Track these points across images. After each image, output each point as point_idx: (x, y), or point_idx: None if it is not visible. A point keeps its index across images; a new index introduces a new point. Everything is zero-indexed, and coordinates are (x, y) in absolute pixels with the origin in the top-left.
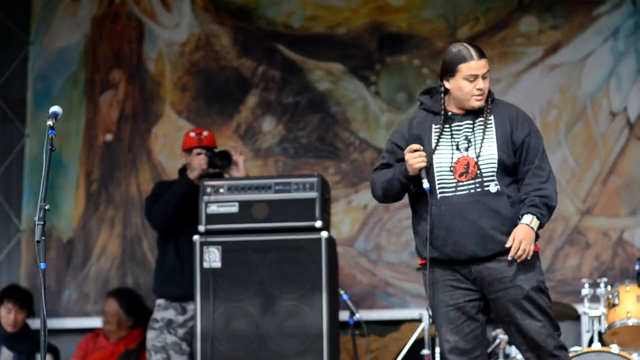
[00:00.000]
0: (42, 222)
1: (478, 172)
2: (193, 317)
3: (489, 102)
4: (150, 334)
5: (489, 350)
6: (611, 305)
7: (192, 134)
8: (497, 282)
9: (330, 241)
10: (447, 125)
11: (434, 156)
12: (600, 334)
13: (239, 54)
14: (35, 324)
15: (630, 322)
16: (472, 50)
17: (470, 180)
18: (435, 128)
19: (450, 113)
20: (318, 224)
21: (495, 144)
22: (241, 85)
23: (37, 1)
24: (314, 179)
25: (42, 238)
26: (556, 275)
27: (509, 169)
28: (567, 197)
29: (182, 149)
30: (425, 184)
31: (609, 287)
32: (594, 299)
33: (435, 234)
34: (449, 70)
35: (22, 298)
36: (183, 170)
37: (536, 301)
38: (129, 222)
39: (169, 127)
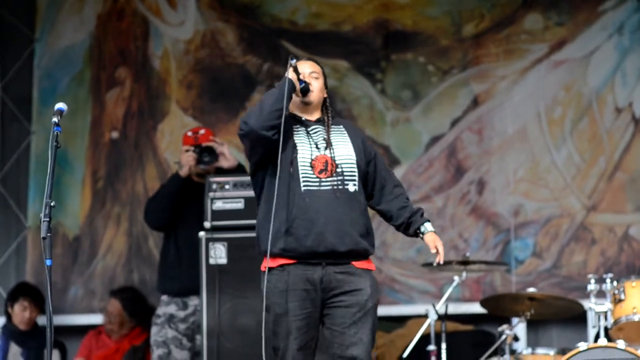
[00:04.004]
0: (48, 219)
1: (338, 170)
2: (194, 313)
3: (329, 112)
4: (153, 329)
5: (495, 346)
6: (617, 301)
7: (190, 133)
8: (343, 290)
9: None
10: (303, 127)
11: (297, 150)
12: (606, 329)
13: (244, 51)
14: (42, 320)
15: (636, 318)
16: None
17: (331, 177)
18: (295, 127)
19: (303, 118)
20: None
21: (351, 148)
22: (247, 82)
23: None
24: None
25: (48, 235)
26: (562, 271)
27: (362, 175)
28: (573, 193)
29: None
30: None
31: (614, 283)
32: (600, 294)
33: (296, 224)
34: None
35: (36, 296)
36: None
37: (373, 318)
38: (135, 220)
39: (175, 125)
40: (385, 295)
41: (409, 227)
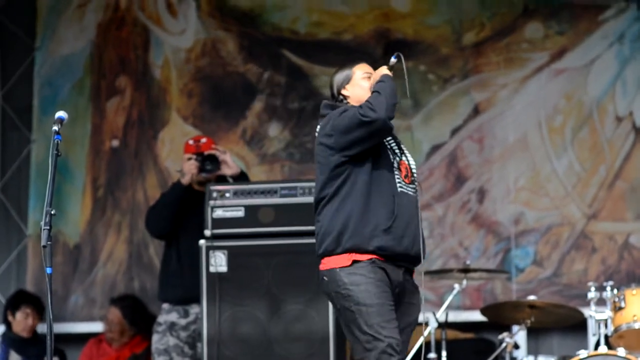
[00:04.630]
0: (48, 227)
1: (413, 177)
2: (195, 321)
3: None
4: (154, 337)
5: (496, 353)
6: (617, 309)
7: (191, 142)
8: (402, 300)
9: None
10: None
11: (390, 151)
12: (606, 337)
13: (244, 59)
14: (42, 328)
15: (636, 326)
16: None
17: (411, 184)
18: None
19: None
20: None
21: (411, 158)
22: (247, 90)
23: (43, 7)
24: None
25: (49, 243)
26: (562, 279)
27: None
28: (573, 201)
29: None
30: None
31: (615, 291)
32: (600, 302)
33: (396, 224)
34: (345, 80)
35: (37, 304)
36: None
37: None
38: (135, 228)
39: (176, 133)
40: None
41: None
